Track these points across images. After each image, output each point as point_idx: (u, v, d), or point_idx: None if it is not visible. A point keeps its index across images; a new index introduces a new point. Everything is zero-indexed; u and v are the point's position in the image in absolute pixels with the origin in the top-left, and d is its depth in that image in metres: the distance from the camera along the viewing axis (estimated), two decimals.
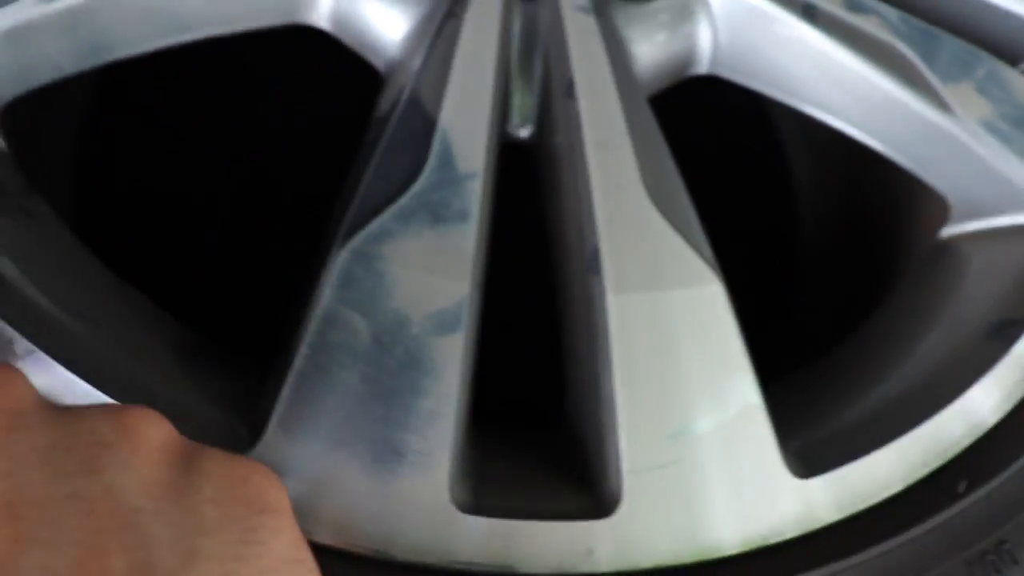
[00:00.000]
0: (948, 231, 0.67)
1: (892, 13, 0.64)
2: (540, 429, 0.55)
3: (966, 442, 0.53)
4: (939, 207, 0.67)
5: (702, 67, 0.65)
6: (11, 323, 0.46)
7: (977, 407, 0.55)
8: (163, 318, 0.55)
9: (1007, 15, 0.69)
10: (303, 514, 0.43)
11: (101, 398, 0.45)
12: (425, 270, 0.48)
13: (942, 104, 0.62)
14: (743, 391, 0.50)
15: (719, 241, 0.54)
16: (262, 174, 0.82)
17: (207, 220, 0.74)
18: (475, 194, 0.50)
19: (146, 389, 0.46)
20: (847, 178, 0.89)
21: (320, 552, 0.39)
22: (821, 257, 0.93)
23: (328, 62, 0.64)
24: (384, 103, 0.58)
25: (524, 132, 0.59)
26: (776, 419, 0.51)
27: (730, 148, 0.97)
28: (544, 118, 0.58)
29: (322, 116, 0.70)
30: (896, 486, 0.51)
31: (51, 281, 0.51)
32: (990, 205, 0.64)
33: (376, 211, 0.49)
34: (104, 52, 0.57)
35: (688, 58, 0.65)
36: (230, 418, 0.47)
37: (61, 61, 0.56)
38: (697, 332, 0.50)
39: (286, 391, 0.46)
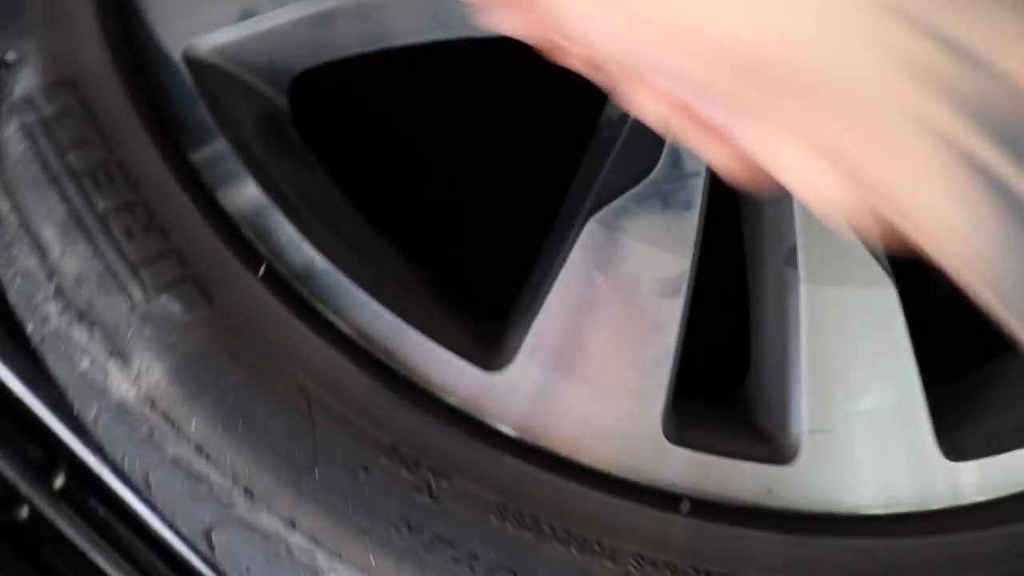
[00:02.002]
0: None
1: None
2: (731, 390, 0.68)
3: None
4: None
5: None
6: (315, 246, 0.61)
7: None
8: (406, 259, 0.70)
9: None
10: (542, 430, 0.57)
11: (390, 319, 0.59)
12: (656, 244, 0.62)
13: None
14: (908, 381, 0.63)
15: None
16: (501, 159, 0.98)
17: (452, 188, 0.90)
18: (698, 189, 0.64)
19: (416, 314, 0.61)
20: None
21: (556, 461, 0.53)
22: None
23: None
24: (611, 110, 0.73)
25: None
26: (937, 413, 0.64)
27: None
28: None
29: (547, 118, 0.85)
30: None
31: (335, 220, 0.66)
32: None
33: (617, 193, 0.63)
34: (385, 39, 0.73)
35: None
36: (485, 348, 0.62)
37: (349, 43, 0.72)
38: (872, 325, 0.63)
39: (535, 327, 0.60)
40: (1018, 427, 0.65)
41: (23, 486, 0.79)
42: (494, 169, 0.88)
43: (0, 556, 0.81)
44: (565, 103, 0.76)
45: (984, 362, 0.74)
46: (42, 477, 0.81)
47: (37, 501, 0.80)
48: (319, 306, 0.60)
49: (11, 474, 0.79)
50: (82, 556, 0.80)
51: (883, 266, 0.65)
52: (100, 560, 0.80)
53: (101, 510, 0.82)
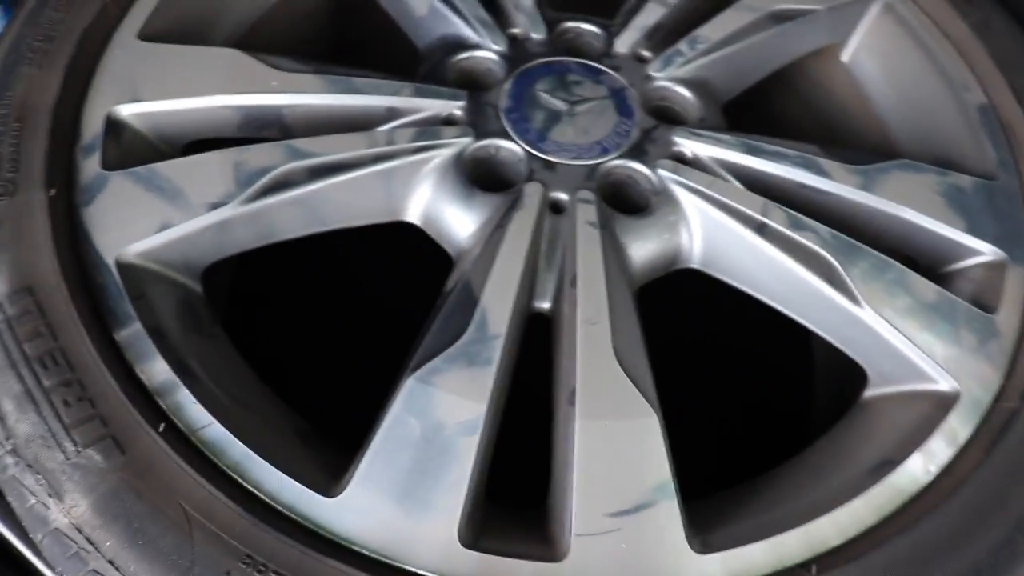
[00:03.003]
0: (868, 393, 0.99)
1: (824, 230, 0.98)
2: (532, 501, 0.90)
3: (830, 543, 0.85)
4: (862, 376, 0.99)
5: (683, 264, 1.02)
6: (205, 407, 0.85)
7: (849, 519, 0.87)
8: (284, 408, 0.94)
9: (927, 232, 1.02)
10: (367, 539, 0.80)
11: (253, 457, 0.83)
12: (458, 394, 0.84)
13: (855, 299, 0.96)
14: (666, 492, 0.84)
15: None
16: (362, 324, 1.23)
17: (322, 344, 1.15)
18: (498, 348, 0.87)
19: (278, 454, 0.84)
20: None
21: (375, 563, 0.75)
22: (827, 389, 1.27)
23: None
24: (451, 281, 0.96)
25: (545, 305, 0.96)
26: (695, 517, 0.85)
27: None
28: (557, 298, 0.95)
29: (409, 287, 1.10)
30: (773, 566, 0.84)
31: (225, 380, 0.90)
32: (892, 376, 0.96)
33: (434, 354, 0.86)
34: (271, 236, 0.98)
35: (673, 257, 1.01)
36: (327, 477, 0.84)
37: (245, 241, 0.97)
38: (635, 448, 0.85)
39: (364, 461, 0.83)
40: (755, 528, 0.86)
41: None
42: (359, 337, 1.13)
43: None
44: (431, 272, 1.00)
45: (735, 482, 0.95)
46: None
47: None
48: (205, 452, 0.83)
49: None
50: None
51: (648, 399, 0.87)
52: None
53: None
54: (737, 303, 1.05)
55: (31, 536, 0.83)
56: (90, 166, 0.97)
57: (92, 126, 0.99)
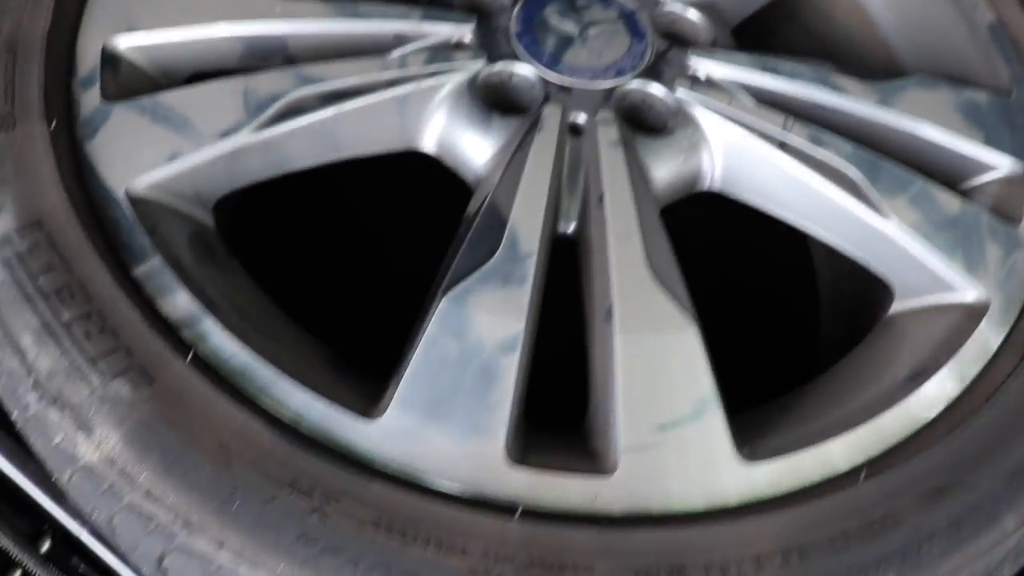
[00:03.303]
0: (894, 308, 1.00)
1: (846, 145, 0.99)
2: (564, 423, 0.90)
3: (875, 449, 0.86)
4: (888, 291, 1.00)
5: (705, 186, 1.01)
6: (233, 335, 0.83)
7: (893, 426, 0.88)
8: (310, 338, 0.92)
9: (946, 147, 1.03)
10: (409, 461, 0.79)
11: (289, 385, 0.81)
12: (495, 313, 0.83)
13: (881, 212, 0.96)
14: (708, 402, 0.84)
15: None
16: (371, 257, 1.22)
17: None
18: (531, 267, 0.86)
19: (312, 379, 0.83)
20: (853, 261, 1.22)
21: (419, 485, 0.74)
22: (836, 318, 1.28)
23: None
24: (472, 206, 0.95)
25: (570, 228, 0.96)
26: (736, 428, 0.85)
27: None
28: (583, 220, 0.94)
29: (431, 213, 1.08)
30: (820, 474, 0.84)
31: (250, 311, 0.88)
32: (919, 288, 0.97)
33: (466, 275, 0.85)
34: (283, 166, 0.96)
35: (694, 179, 1.01)
36: (364, 401, 0.83)
37: (257, 172, 0.95)
38: (676, 361, 0.85)
39: (401, 385, 0.81)
40: (800, 438, 0.86)
41: (15, 552, 1.00)
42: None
43: None
44: (440, 203, 0.99)
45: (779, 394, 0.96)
46: (31, 543, 1.02)
47: (28, 564, 1.01)
48: (235, 381, 0.81)
49: (5, 542, 1.00)
50: None
51: (685, 310, 0.86)
52: None
53: (82, 568, 1.02)
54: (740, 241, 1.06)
55: (58, 477, 0.81)
56: (90, 98, 0.94)
57: (88, 58, 0.96)
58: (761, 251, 1.38)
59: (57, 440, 0.79)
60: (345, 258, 1.24)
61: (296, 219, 1.27)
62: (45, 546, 1.01)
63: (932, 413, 0.89)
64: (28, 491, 1.00)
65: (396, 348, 0.87)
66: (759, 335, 1.35)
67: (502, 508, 0.78)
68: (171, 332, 0.83)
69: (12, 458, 1.00)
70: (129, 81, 0.98)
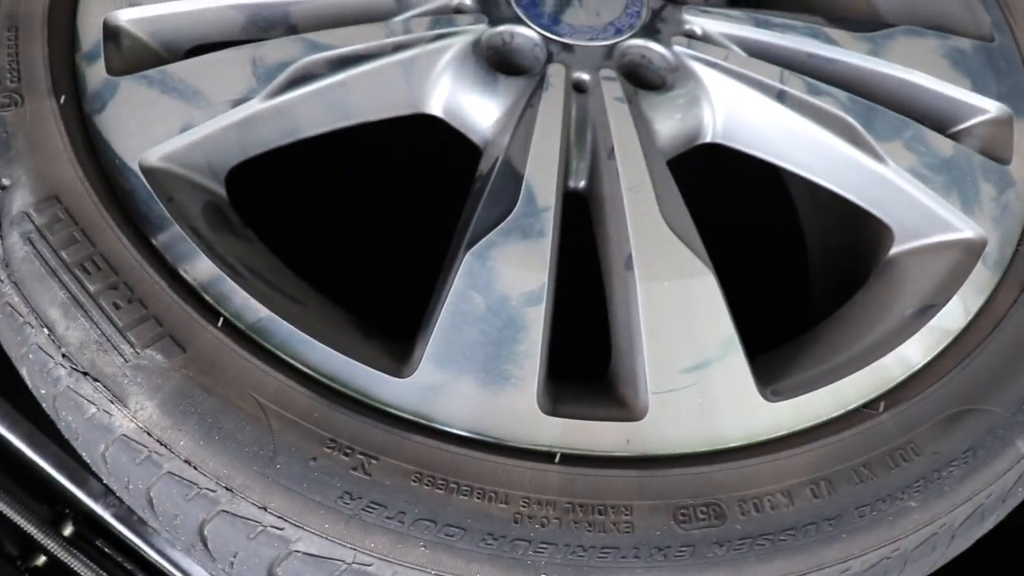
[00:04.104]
0: (894, 250, 1.02)
1: (841, 94, 1.00)
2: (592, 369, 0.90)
3: (891, 382, 0.88)
4: (888, 233, 1.02)
5: (707, 138, 1.02)
6: (259, 300, 0.82)
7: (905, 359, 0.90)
8: (331, 303, 0.92)
9: (935, 93, 1.05)
10: (443, 415, 0.79)
11: (320, 347, 0.81)
12: (519, 266, 0.84)
13: (879, 157, 0.98)
14: (731, 346, 0.85)
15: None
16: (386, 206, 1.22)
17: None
18: (549, 220, 0.87)
19: (340, 341, 0.82)
20: (841, 215, 1.24)
21: (456, 437, 0.75)
22: (827, 271, 1.30)
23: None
24: (483, 166, 0.95)
25: (580, 184, 0.96)
26: (759, 369, 0.86)
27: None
28: (593, 174, 0.95)
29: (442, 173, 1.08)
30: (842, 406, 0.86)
31: (272, 278, 0.88)
32: (919, 229, 0.99)
33: (487, 231, 0.85)
34: (298, 132, 0.95)
35: (696, 132, 1.02)
36: (393, 360, 0.83)
37: (269, 140, 0.94)
38: (696, 307, 0.86)
39: (432, 341, 0.81)
40: (820, 375, 0.88)
41: (40, 536, 0.99)
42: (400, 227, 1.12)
43: None
44: (450, 163, 0.99)
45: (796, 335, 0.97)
46: (54, 528, 1.01)
47: (52, 548, 1.00)
48: (267, 344, 0.81)
49: (29, 528, 0.99)
50: None
51: (701, 258, 0.88)
52: None
53: (108, 549, 1.02)
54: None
55: (90, 452, 0.80)
56: (96, 73, 0.92)
57: (90, 32, 0.95)
58: (748, 211, 1.40)
59: (91, 413, 0.78)
60: (352, 225, 1.24)
61: (303, 188, 1.27)
62: (68, 530, 1.00)
63: (941, 345, 0.91)
64: (49, 475, 0.99)
65: (410, 310, 0.87)
66: (748, 293, 1.37)
67: (540, 455, 0.79)
68: (199, 299, 0.82)
69: (31, 443, 0.99)
70: (131, 55, 0.96)
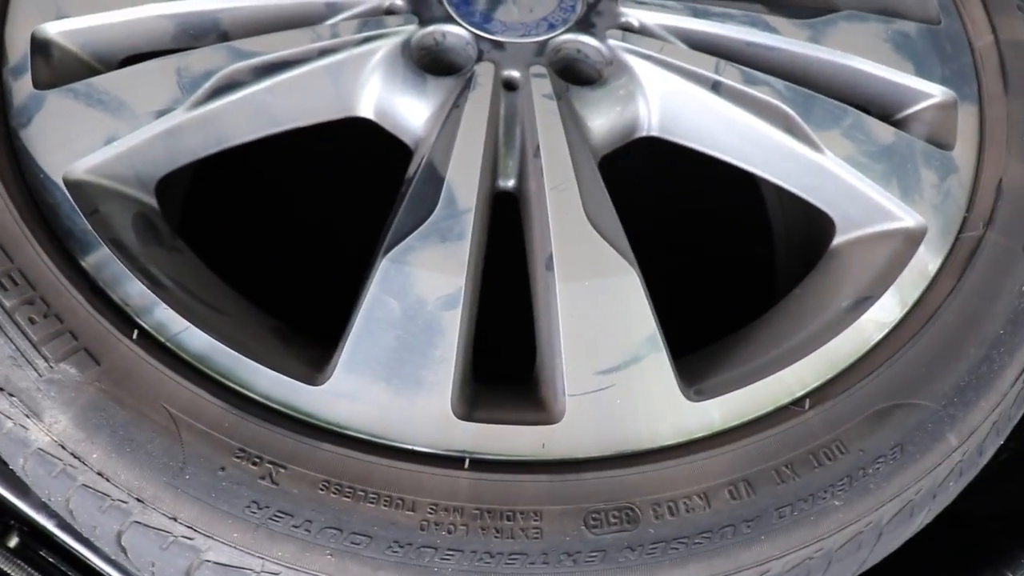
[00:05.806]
0: (836, 240, 0.99)
1: (779, 83, 0.97)
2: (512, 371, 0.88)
3: (819, 378, 0.85)
4: (830, 223, 0.99)
5: (643, 132, 1.00)
6: (179, 312, 0.81)
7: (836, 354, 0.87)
8: (258, 311, 0.90)
9: (878, 78, 1.02)
10: (355, 422, 0.77)
11: (237, 357, 0.79)
12: (435, 270, 0.82)
13: (816, 146, 0.95)
14: (651, 344, 0.83)
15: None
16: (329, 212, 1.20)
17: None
18: (470, 222, 0.85)
19: (258, 350, 0.81)
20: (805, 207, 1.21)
21: (366, 443, 0.73)
22: (792, 264, 1.27)
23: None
24: (412, 167, 0.93)
25: (510, 183, 0.94)
26: (684, 369, 0.84)
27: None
28: (522, 173, 0.93)
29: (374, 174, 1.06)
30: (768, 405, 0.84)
31: (195, 289, 0.87)
32: (859, 218, 0.96)
33: (406, 235, 0.84)
34: (223, 141, 0.94)
35: (631, 127, 0.99)
36: (310, 368, 0.82)
37: (197, 148, 0.93)
38: (618, 306, 0.83)
39: (346, 347, 0.80)
40: (747, 373, 0.85)
41: None
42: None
43: None
44: (388, 167, 0.97)
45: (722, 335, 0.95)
46: None
47: None
48: (185, 356, 0.80)
49: None
50: None
51: (624, 256, 0.85)
52: None
53: (52, 559, 1.01)
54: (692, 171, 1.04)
55: (12, 464, 0.80)
56: (22, 87, 0.91)
57: (17, 46, 0.93)
58: (719, 205, 1.37)
59: (7, 427, 0.78)
60: (286, 232, 1.22)
61: (236, 195, 1.26)
62: (13, 542, 0.99)
63: (874, 339, 0.88)
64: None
65: (340, 317, 0.86)
66: (716, 282, 1.34)
67: (450, 461, 0.77)
68: (119, 312, 0.81)
69: None
70: (63, 68, 0.95)
